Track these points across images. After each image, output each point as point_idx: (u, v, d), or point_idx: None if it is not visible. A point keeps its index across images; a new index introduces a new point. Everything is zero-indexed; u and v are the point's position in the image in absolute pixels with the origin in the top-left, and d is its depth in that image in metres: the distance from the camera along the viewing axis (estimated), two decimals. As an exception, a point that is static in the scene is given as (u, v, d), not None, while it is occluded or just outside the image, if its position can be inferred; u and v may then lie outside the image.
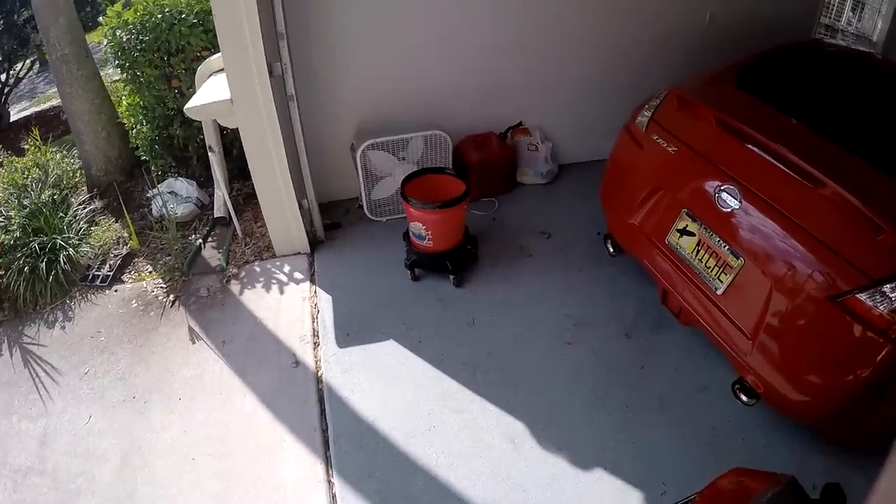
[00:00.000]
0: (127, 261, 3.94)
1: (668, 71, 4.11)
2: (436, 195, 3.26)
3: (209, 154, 3.58)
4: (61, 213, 4.10)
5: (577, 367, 2.92)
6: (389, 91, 3.92)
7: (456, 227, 3.32)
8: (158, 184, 4.23)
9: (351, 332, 3.18)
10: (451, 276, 3.38)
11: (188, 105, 3.17)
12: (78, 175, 4.70)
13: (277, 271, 3.66)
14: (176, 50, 3.95)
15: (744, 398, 2.52)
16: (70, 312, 3.63)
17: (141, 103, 4.05)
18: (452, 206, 3.16)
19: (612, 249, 3.31)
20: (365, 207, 3.94)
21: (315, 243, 3.82)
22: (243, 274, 3.67)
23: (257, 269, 3.69)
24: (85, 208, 4.24)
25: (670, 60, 4.18)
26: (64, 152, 4.92)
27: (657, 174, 2.88)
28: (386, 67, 3.83)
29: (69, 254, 3.80)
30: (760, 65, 2.94)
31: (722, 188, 2.47)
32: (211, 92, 3.29)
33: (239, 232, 3.94)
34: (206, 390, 3.01)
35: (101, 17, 3.93)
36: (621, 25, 4.03)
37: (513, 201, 4.19)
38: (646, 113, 2.98)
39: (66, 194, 4.44)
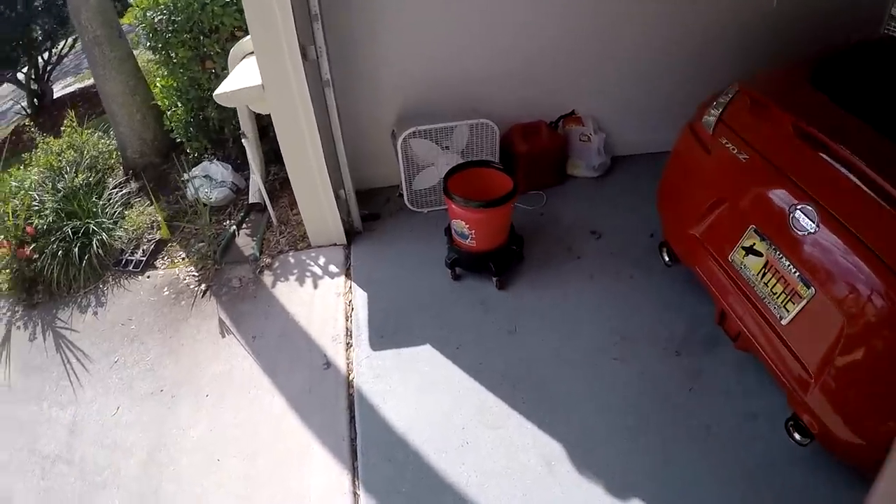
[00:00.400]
0: (160, 246, 3.88)
1: (730, 56, 3.80)
2: (481, 191, 3.04)
3: (242, 140, 3.43)
4: (95, 197, 4.05)
5: (623, 387, 2.71)
6: (432, 75, 3.69)
7: (501, 226, 3.10)
8: (194, 166, 4.14)
9: (385, 333, 3.02)
10: (494, 278, 3.17)
11: (217, 91, 3.02)
12: (114, 156, 4.64)
13: (312, 263, 3.52)
14: (209, 30, 3.80)
15: (798, 437, 2.27)
16: (103, 298, 3.59)
17: (175, 85, 3.93)
18: (499, 205, 2.92)
19: (667, 258, 3.03)
20: (405, 198, 3.75)
21: (352, 234, 3.66)
22: (277, 264, 3.54)
23: (291, 260, 3.56)
24: (119, 191, 4.17)
25: (733, 45, 3.83)
26: (100, 133, 4.87)
27: (725, 183, 2.57)
28: (429, 50, 3.60)
29: (102, 238, 3.74)
30: (836, 62, 2.61)
31: (798, 207, 2.16)
32: (242, 77, 3.12)
33: (274, 220, 3.81)
34: (235, 388, 2.91)
35: (131, -1, 3.83)
36: (681, 4, 3.67)
37: (562, 195, 3.92)
38: (713, 112, 2.67)
39: (102, 176, 4.39)
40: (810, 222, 2.12)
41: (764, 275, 2.35)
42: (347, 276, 3.41)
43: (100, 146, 4.60)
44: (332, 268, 3.46)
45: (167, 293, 3.51)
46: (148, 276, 3.67)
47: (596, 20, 3.66)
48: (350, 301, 3.23)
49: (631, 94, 3.99)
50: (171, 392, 2.95)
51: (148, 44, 3.82)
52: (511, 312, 3.08)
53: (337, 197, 3.38)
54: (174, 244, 3.87)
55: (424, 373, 2.82)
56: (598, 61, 3.83)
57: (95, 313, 3.50)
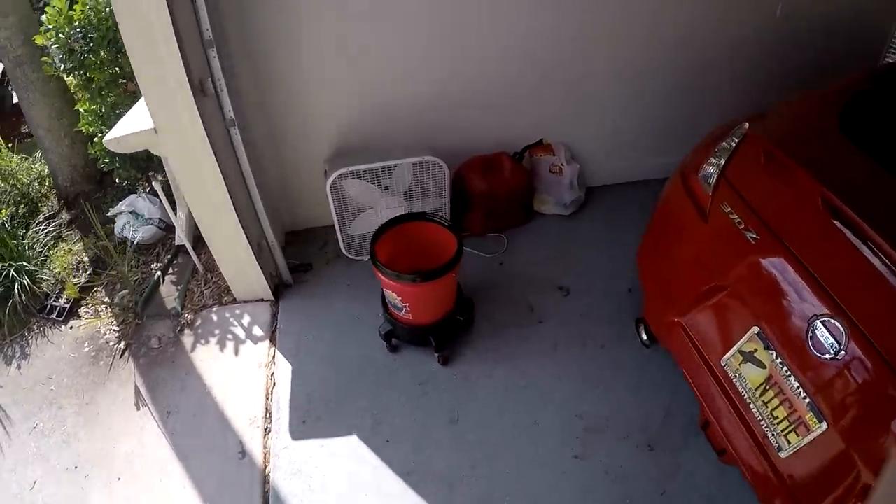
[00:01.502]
0: (85, 291, 3.49)
1: (725, 74, 3.25)
2: (420, 252, 2.56)
3: (152, 182, 2.96)
4: (22, 230, 3.67)
5: (584, 492, 2.27)
6: (372, 101, 3.15)
7: (443, 297, 2.61)
8: (126, 196, 3.72)
9: (308, 418, 2.61)
10: (436, 354, 2.71)
11: (107, 137, 2.55)
12: (47, 182, 4.25)
13: (235, 322, 3.09)
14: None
15: None
16: (27, 349, 3.26)
17: (97, 110, 3.47)
18: (438, 277, 2.39)
19: (645, 337, 2.53)
20: (341, 244, 3.26)
21: (281, 288, 3.21)
22: (199, 322, 3.13)
23: (214, 318, 3.14)
24: (47, 227, 3.79)
25: (729, 61, 3.25)
26: (35, 156, 4.48)
27: (725, 266, 1.99)
28: (369, 72, 3.04)
29: (25, 283, 3.38)
30: (868, 98, 2.01)
31: (820, 318, 1.62)
32: (136, 116, 2.64)
33: (199, 267, 3.37)
34: (147, 472, 2.58)
35: (42, 17, 3.30)
36: (666, 15, 3.06)
37: (526, 238, 3.40)
38: (713, 161, 2.07)
39: (35, 205, 4.03)
40: (835, 342, 1.58)
41: (764, 391, 1.83)
42: (272, 341, 2.98)
43: (32, 172, 4.21)
44: (257, 330, 3.03)
45: (87, 349, 3.16)
46: (71, 327, 3.31)
47: (569, 32, 3.06)
48: (272, 374, 2.81)
49: (610, 116, 3.42)
50: (85, 470, 2.63)
51: (62, 66, 3.35)
52: (454, 395, 2.63)
53: (259, 248, 2.91)
54: (99, 288, 3.49)
55: (348, 473, 2.41)
56: (572, 80, 3.25)
57: (19, 366, 3.16)
